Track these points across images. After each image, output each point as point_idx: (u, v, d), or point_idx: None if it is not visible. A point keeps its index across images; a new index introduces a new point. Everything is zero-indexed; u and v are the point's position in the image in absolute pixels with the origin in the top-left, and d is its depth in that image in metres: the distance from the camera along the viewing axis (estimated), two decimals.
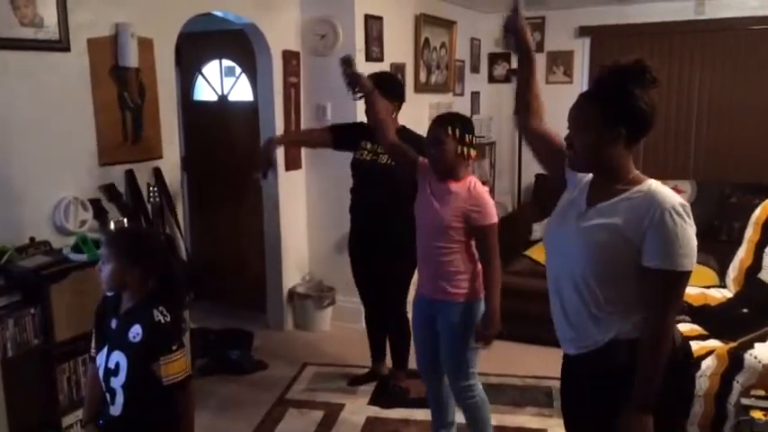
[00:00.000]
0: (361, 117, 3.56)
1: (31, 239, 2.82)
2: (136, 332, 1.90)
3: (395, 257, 3.38)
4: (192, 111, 4.87)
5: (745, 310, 3.28)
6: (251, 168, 4.55)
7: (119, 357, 1.92)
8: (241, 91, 4.70)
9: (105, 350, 1.96)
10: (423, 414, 3.34)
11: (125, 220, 3.19)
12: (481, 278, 2.60)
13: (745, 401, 2.51)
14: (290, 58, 4.38)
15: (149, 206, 3.35)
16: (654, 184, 1.63)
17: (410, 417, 3.37)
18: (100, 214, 3.11)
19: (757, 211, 3.63)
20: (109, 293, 2.06)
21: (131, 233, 2.25)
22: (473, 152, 2.58)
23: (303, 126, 4.52)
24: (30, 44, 2.79)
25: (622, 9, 5.66)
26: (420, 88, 5.10)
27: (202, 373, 3.78)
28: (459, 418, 2.87)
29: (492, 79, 6.47)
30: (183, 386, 1.92)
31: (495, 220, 2.56)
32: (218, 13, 3.96)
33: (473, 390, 2.69)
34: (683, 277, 1.58)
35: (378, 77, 3.45)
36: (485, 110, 6.45)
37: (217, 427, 3.30)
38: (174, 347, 1.90)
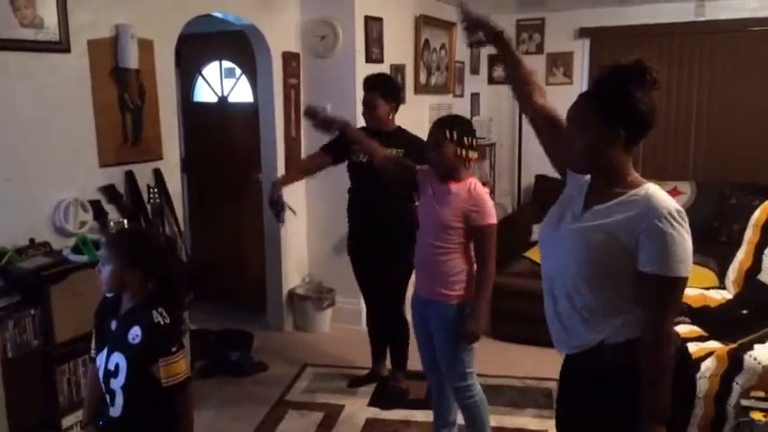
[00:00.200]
0: (361, 118, 3.56)
1: (31, 241, 2.82)
2: (135, 334, 1.89)
3: (391, 258, 3.38)
4: (192, 112, 4.87)
5: (744, 312, 3.28)
6: (250, 170, 4.59)
7: (118, 359, 1.91)
8: (241, 92, 4.71)
9: (105, 351, 1.96)
10: (423, 415, 3.34)
11: (125, 221, 3.19)
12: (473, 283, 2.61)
13: (744, 403, 2.51)
14: (290, 59, 4.38)
15: (149, 207, 3.35)
16: (651, 189, 1.62)
17: (410, 418, 3.37)
18: (100, 215, 3.11)
19: (757, 213, 3.63)
20: (108, 295, 2.05)
21: (132, 234, 2.25)
22: (473, 154, 2.59)
23: (303, 127, 4.53)
24: (30, 45, 2.80)
25: (622, 10, 5.66)
26: (420, 89, 5.11)
27: (202, 374, 3.78)
28: (460, 419, 2.88)
29: (492, 81, 6.47)
30: (183, 388, 1.92)
31: (494, 220, 2.57)
32: (218, 15, 3.97)
33: (471, 390, 2.69)
34: (679, 282, 1.56)
35: (375, 79, 3.47)
36: (485, 111, 6.45)
37: (217, 428, 3.30)
38: (173, 349, 1.90)
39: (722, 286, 3.78)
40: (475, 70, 6.29)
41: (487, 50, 6.41)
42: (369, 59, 4.40)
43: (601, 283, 1.64)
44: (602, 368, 1.68)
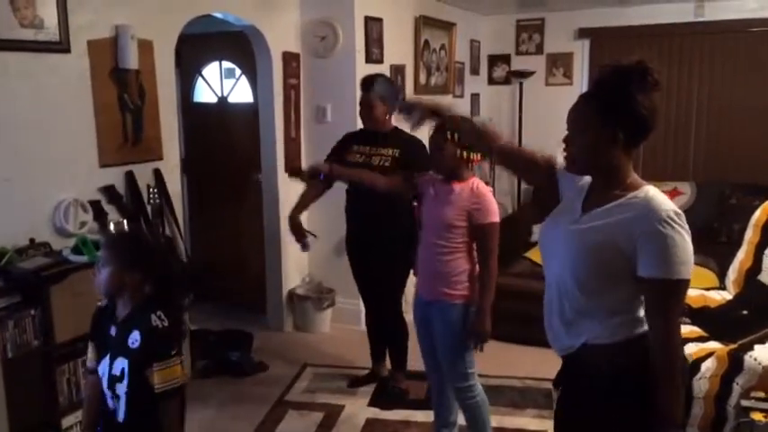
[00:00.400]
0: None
1: (31, 241, 2.82)
2: (135, 338, 1.89)
3: (389, 258, 3.39)
4: (191, 112, 4.87)
5: (744, 312, 3.28)
6: (250, 170, 4.59)
7: (123, 363, 1.91)
8: (241, 93, 4.71)
9: (107, 358, 1.96)
10: (423, 415, 3.34)
11: (125, 221, 3.19)
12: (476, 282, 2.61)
13: (745, 403, 2.51)
14: (289, 59, 4.38)
15: (149, 208, 3.35)
16: (650, 191, 1.60)
17: (410, 418, 3.37)
18: (100, 216, 3.11)
19: (757, 213, 3.63)
20: (101, 304, 2.06)
21: (132, 235, 2.25)
22: (476, 156, 2.59)
23: (303, 128, 4.53)
24: (30, 45, 2.80)
25: (622, 11, 5.67)
26: (420, 90, 5.10)
27: (202, 374, 3.78)
28: (462, 418, 2.88)
29: (492, 81, 6.47)
30: (173, 395, 1.90)
31: (496, 219, 2.58)
32: (218, 15, 3.97)
33: (472, 390, 2.70)
34: (682, 285, 1.54)
35: (373, 79, 3.47)
36: (484, 111, 6.45)
37: (217, 428, 3.30)
38: (172, 352, 1.89)
39: (722, 287, 3.78)
40: (475, 71, 6.29)
41: (487, 51, 6.42)
42: (369, 60, 4.40)
43: (595, 286, 1.63)
44: (592, 370, 1.67)
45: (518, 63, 6.26)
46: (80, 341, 2.56)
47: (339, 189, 3.73)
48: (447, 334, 2.63)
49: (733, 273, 3.65)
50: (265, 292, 4.64)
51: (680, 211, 1.55)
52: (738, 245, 3.71)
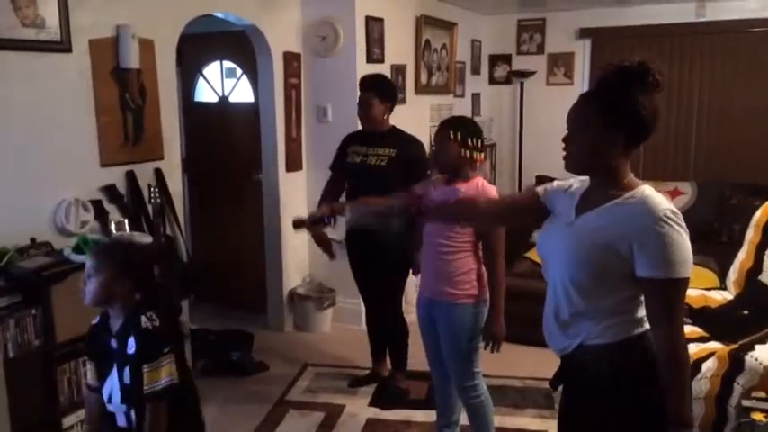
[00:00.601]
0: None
1: (32, 240, 2.82)
2: (131, 344, 1.91)
3: (388, 258, 3.39)
4: (192, 112, 4.88)
5: (745, 312, 3.29)
6: (251, 170, 4.59)
7: (132, 372, 1.94)
8: (242, 92, 4.71)
9: (115, 373, 1.98)
10: (423, 415, 3.35)
11: (126, 221, 3.19)
12: (485, 280, 2.61)
13: (745, 403, 2.51)
14: (290, 59, 4.38)
15: (150, 207, 3.35)
16: (647, 191, 1.60)
17: (411, 418, 3.37)
18: (101, 215, 3.12)
19: (758, 213, 3.63)
20: (94, 322, 2.09)
21: (120, 244, 2.23)
22: (479, 155, 2.59)
23: (304, 127, 4.54)
24: (31, 45, 2.80)
25: (623, 11, 5.67)
26: (421, 90, 5.11)
27: (203, 374, 3.78)
28: (463, 419, 2.88)
29: (492, 81, 6.47)
30: (161, 396, 1.91)
31: None
32: (219, 15, 3.97)
33: (477, 389, 2.70)
34: (681, 284, 1.54)
35: (371, 79, 3.49)
36: (485, 111, 6.45)
37: (217, 428, 3.29)
38: (163, 351, 1.90)
39: (723, 287, 3.78)
40: (476, 71, 6.29)
41: (488, 51, 6.42)
42: (369, 60, 4.40)
43: (592, 286, 1.63)
44: (590, 370, 1.67)
45: (519, 63, 6.26)
46: (81, 341, 2.55)
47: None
48: (453, 333, 2.62)
49: (734, 273, 3.65)
50: (266, 292, 4.64)
51: (677, 210, 1.55)
52: (739, 245, 3.72)
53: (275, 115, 4.35)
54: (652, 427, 1.59)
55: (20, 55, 2.77)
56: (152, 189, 3.37)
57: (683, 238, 1.53)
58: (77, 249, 2.78)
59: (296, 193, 4.59)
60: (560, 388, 1.85)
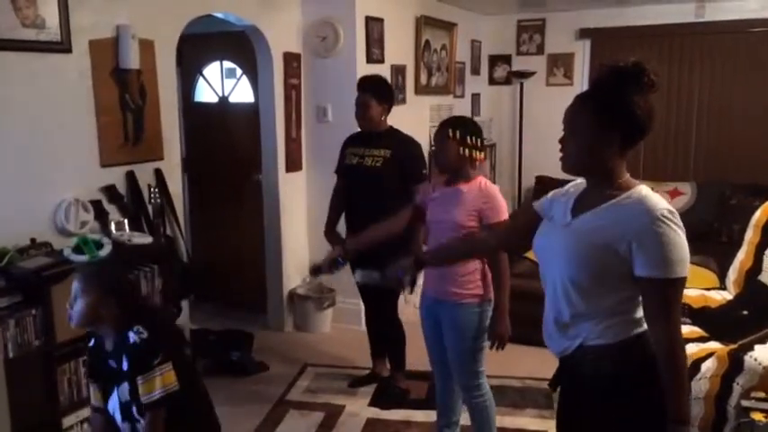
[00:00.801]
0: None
1: (32, 240, 2.82)
2: (126, 362, 1.95)
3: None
4: (192, 112, 4.88)
5: (745, 312, 3.28)
6: (251, 170, 4.59)
7: (127, 387, 1.97)
8: (242, 92, 4.71)
9: (117, 391, 2.02)
10: (423, 415, 3.35)
11: (126, 221, 3.19)
12: (489, 280, 2.61)
13: (745, 403, 2.51)
14: (290, 59, 4.38)
15: (150, 207, 3.35)
16: (643, 191, 1.60)
17: (411, 418, 3.38)
18: (101, 215, 3.12)
19: (757, 213, 3.63)
20: (90, 345, 2.14)
21: (107, 266, 2.25)
22: (479, 154, 2.58)
23: (304, 128, 4.54)
24: (31, 45, 2.80)
25: (623, 11, 5.67)
26: (420, 90, 5.11)
27: (203, 373, 3.75)
28: (464, 419, 2.88)
29: (492, 81, 6.48)
30: (160, 404, 1.94)
31: (505, 217, 2.57)
32: (219, 15, 3.97)
33: (481, 389, 2.70)
34: (679, 283, 1.55)
35: (369, 80, 3.50)
36: (485, 112, 6.45)
37: None
38: (155, 362, 1.93)
39: (723, 287, 3.78)
40: (476, 71, 6.29)
41: (488, 51, 6.42)
42: (369, 60, 4.41)
43: (591, 287, 1.63)
44: (589, 370, 1.68)
45: (519, 63, 6.27)
46: (80, 341, 2.57)
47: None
48: (458, 333, 2.62)
49: (733, 273, 3.65)
50: (266, 292, 4.64)
51: (673, 210, 1.55)
52: (739, 245, 3.71)
53: (275, 115, 4.35)
54: (652, 427, 1.59)
55: (20, 55, 2.78)
56: (152, 189, 3.37)
57: (680, 238, 1.53)
58: (77, 250, 2.78)
59: (296, 194, 4.59)
60: (558, 389, 1.85)
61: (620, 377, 1.64)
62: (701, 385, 2.70)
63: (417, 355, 3.45)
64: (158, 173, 3.49)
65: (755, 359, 2.61)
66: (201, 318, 4.34)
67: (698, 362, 2.78)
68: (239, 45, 4.41)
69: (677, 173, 5.70)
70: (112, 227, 3.11)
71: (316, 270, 2.77)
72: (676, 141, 5.75)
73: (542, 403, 3.49)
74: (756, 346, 2.71)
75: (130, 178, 3.33)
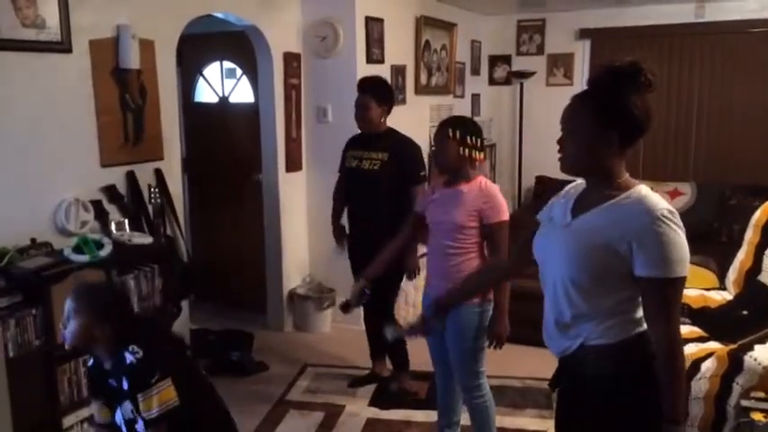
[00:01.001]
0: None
1: (33, 240, 2.82)
2: (125, 382, 1.96)
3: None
4: (192, 112, 4.88)
5: (744, 312, 3.28)
6: (251, 170, 4.60)
7: (129, 406, 1.98)
8: (242, 92, 4.71)
9: (119, 410, 2.02)
10: (423, 415, 3.35)
11: (126, 221, 3.19)
12: None
13: (745, 403, 2.51)
14: (290, 59, 4.39)
15: (150, 207, 3.35)
16: (643, 190, 1.60)
17: (411, 418, 3.38)
18: (101, 215, 3.12)
19: (757, 214, 3.63)
20: (90, 364, 2.15)
21: (99, 287, 2.24)
22: (478, 155, 2.58)
23: (304, 128, 4.55)
24: (31, 45, 2.80)
25: (623, 11, 5.67)
26: (420, 90, 5.11)
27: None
28: (464, 419, 2.88)
29: (492, 81, 6.48)
30: (161, 420, 1.94)
31: (506, 217, 2.57)
32: (220, 15, 3.97)
33: (481, 389, 2.70)
34: (679, 283, 1.55)
35: (369, 81, 3.49)
36: (485, 112, 6.46)
37: None
38: (152, 381, 1.93)
39: (722, 287, 3.78)
40: (476, 71, 6.29)
41: (488, 51, 6.42)
42: (369, 60, 4.41)
43: (592, 286, 1.63)
44: (590, 371, 1.68)
45: (519, 63, 6.27)
46: None
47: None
48: (459, 333, 2.61)
49: (733, 273, 3.65)
50: (266, 292, 4.64)
51: (673, 209, 1.55)
52: (738, 245, 3.71)
53: (275, 116, 4.35)
54: (652, 427, 1.59)
55: (20, 55, 2.78)
56: (152, 189, 3.37)
57: (680, 237, 1.53)
58: (77, 249, 2.78)
59: (296, 194, 4.59)
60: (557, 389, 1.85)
61: (621, 377, 1.64)
62: (700, 385, 2.70)
63: (418, 355, 3.46)
64: (158, 173, 3.49)
65: (755, 359, 2.62)
66: (201, 318, 4.34)
67: (698, 362, 2.78)
68: (239, 45, 4.41)
69: (677, 173, 5.70)
70: (113, 227, 3.12)
71: (346, 306, 2.82)
72: (676, 142, 5.76)
73: (542, 403, 3.49)
74: (756, 346, 2.71)
75: (131, 178, 3.33)
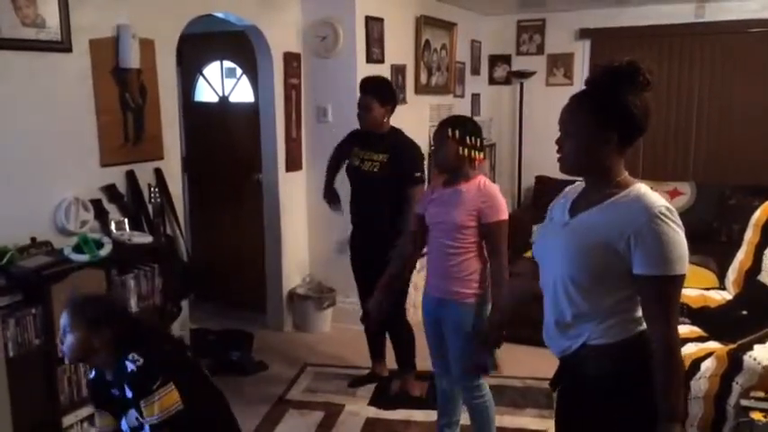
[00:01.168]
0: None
1: (33, 240, 2.82)
2: (128, 390, 1.96)
3: (385, 261, 3.38)
4: (192, 112, 4.88)
5: (744, 312, 3.28)
6: (251, 170, 4.60)
7: (134, 414, 1.99)
8: (242, 92, 4.71)
9: (125, 417, 2.03)
10: (422, 415, 3.35)
11: (126, 220, 3.19)
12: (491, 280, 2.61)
13: (744, 403, 2.51)
14: (290, 59, 4.39)
15: (150, 207, 3.35)
16: (641, 189, 1.61)
17: (410, 417, 3.38)
18: (101, 215, 3.12)
19: (757, 213, 3.63)
20: (91, 376, 2.17)
21: (90, 300, 2.23)
22: (478, 155, 2.58)
23: (304, 127, 4.55)
24: (31, 45, 2.80)
25: (623, 11, 5.67)
26: (420, 90, 5.11)
27: None
28: (464, 419, 2.88)
29: (492, 81, 6.47)
30: (163, 426, 1.95)
31: (505, 216, 2.56)
32: (220, 15, 3.97)
33: (481, 390, 2.70)
34: (678, 281, 1.55)
35: (372, 82, 3.48)
36: (485, 112, 6.46)
37: None
38: (153, 387, 1.94)
39: (722, 287, 3.78)
40: (475, 71, 6.29)
41: (488, 51, 6.42)
42: (369, 60, 4.41)
43: (591, 285, 1.63)
44: (591, 370, 1.68)
45: (519, 63, 6.27)
46: None
47: (340, 190, 3.75)
48: (459, 332, 2.61)
49: (733, 273, 3.65)
50: (266, 292, 4.64)
51: (671, 207, 1.55)
52: (738, 245, 3.71)
53: (275, 115, 4.35)
54: (653, 426, 1.59)
55: (20, 55, 2.78)
56: (152, 189, 3.37)
57: (678, 235, 1.53)
58: (77, 249, 2.79)
59: (296, 193, 4.59)
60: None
61: (622, 376, 1.64)
62: (700, 385, 2.70)
63: (417, 355, 3.46)
64: (158, 172, 3.49)
65: (755, 359, 2.62)
66: (201, 317, 4.34)
67: (697, 361, 2.78)
68: (239, 45, 4.41)
69: (677, 173, 5.70)
70: (112, 226, 3.12)
71: (366, 317, 2.88)
72: (676, 141, 5.75)
73: (543, 403, 3.49)
74: (756, 346, 2.71)
75: (130, 178, 3.33)
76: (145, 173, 3.41)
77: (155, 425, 1.94)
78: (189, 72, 4.83)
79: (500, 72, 6.43)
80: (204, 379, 2.26)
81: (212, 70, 4.83)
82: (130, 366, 1.95)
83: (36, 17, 2.81)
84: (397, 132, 3.47)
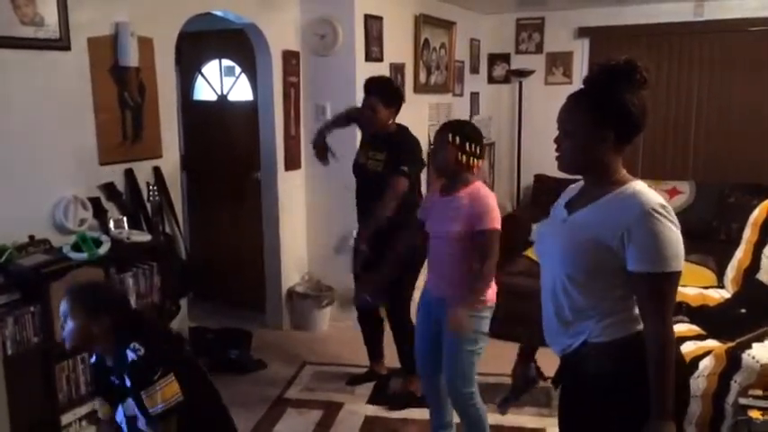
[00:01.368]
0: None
1: (31, 238, 2.82)
2: (128, 380, 1.97)
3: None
4: (191, 110, 4.88)
5: (743, 311, 3.28)
6: (250, 168, 4.59)
7: (132, 403, 1.99)
8: (241, 91, 4.71)
9: (122, 405, 2.04)
10: (421, 413, 3.34)
11: (124, 218, 3.19)
12: (492, 285, 2.60)
13: (742, 401, 2.51)
14: (289, 57, 4.38)
15: (149, 205, 3.35)
16: (637, 186, 1.61)
17: (409, 416, 3.38)
18: (99, 213, 3.12)
19: (756, 212, 3.63)
20: (93, 361, 2.17)
21: (88, 287, 2.23)
22: (477, 161, 2.58)
23: (303, 126, 4.55)
24: (30, 43, 2.80)
25: (622, 10, 5.67)
26: (419, 89, 5.11)
27: None
28: (458, 419, 2.88)
29: (491, 80, 6.47)
30: (167, 415, 1.95)
31: (494, 225, 2.53)
32: (219, 13, 3.97)
33: (474, 398, 2.67)
34: (673, 278, 1.55)
35: (376, 82, 3.46)
36: (484, 110, 6.45)
37: None
38: (155, 377, 1.94)
39: (721, 285, 3.78)
40: (474, 69, 6.29)
41: (487, 50, 6.42)
42: (368, 58, 4.40)
43: (587, 282, 1.64)
44: (592, 368, 1.68)
45: (518, 62, 6.26)
46: None
47: (339, 189, 3.75)
48: (457, 337, 2.58)
49: (731, 271, 3.65)
50: (264, 290, 4.64)
51: (667, 204, 1.56)
52: (737, 244, 3.71)
53: (274, 114, 4.35)
54: (646, 419, 1.60)
55: (18, 53, 2.77)
56: (151, 187, 3.37)
57: (673, 233, 1.54)
58: (76, 247, 2.78)
59: (295, 192, 4.59)
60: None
61: (621, 375, 1.65)
62: (698, 383, 2.70)
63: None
64: (157, 171, 3.49)
65: (753, 357, 2.62)
66: (200, 316, 4.34)
67: (696, 360, 2.78)
68: (238, 43, 4.41)
69: (676, 172, 5.70)
70: (111, 224, 3.11)
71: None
72: (675, 140, 5.75)
73: (541, 401, 3.48)
74: (754, 345, 2.71)
75: (129, 176, 3.33)
76: (143, 171, 3.41)
77: (158, 414, 1.94)
78: (188, 70, 4.83)
79: (499, 71, 6.42)
80: (203, 375, 2.27)
81: (211, 68, 4.83)
82: (131, 356, 1.94)
83: (35, 15, 2.80)
84: (402, 130, 3.45)
